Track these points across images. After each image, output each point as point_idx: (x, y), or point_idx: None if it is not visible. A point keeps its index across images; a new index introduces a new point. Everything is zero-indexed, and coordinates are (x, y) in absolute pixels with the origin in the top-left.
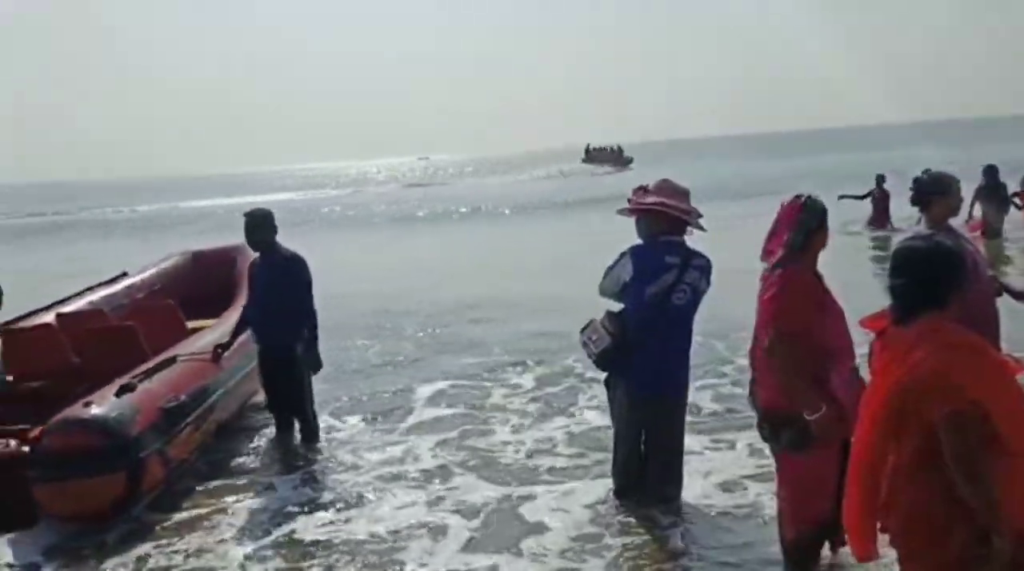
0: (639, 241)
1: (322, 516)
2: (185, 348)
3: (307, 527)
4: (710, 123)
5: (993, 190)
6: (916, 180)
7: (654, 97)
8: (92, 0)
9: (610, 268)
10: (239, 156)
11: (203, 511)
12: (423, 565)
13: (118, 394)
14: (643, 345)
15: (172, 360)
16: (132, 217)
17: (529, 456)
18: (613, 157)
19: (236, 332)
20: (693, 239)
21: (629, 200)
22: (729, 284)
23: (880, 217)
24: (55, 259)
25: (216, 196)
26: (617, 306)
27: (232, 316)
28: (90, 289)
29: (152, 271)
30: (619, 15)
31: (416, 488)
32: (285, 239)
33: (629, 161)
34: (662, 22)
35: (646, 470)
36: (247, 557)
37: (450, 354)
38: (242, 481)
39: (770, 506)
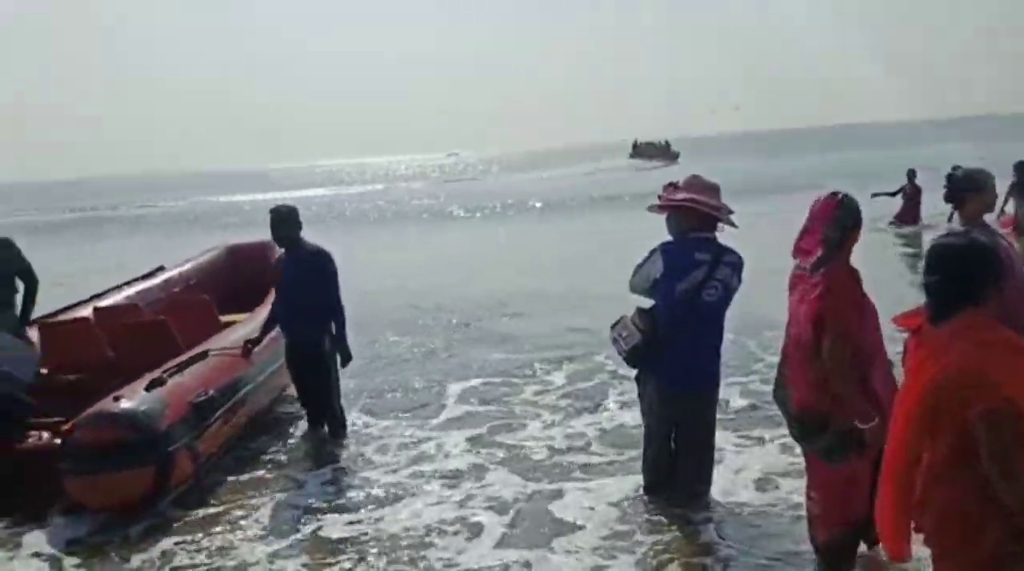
0: (669, 237)
1: (351, 513)
2: (217, 343)
3: (335, 524)
4: (719, 121)
5: None
6: (949, 177)
7: (654, 97)
8: (92, 0)
9: (640, 265)
10: (239, 156)
11: (229, 506)
12: (455, 564)
13: (148, 388)
14: (673, 342)
15: (203, 355)
16: (166, 211)
17: (560, 453)
18: (661, 152)
19: (266, 327)
20: (725, 236)
21: (659, 196)
22: (763, 283)
23: (910, 212)
24: (89, 255)
25: (238, 192)
26: (648, 303)
27: (264, 311)
28: (127, 283)
29: (189, 265)
30: (619, 15)
31: (447, 485)
32: (322, 237)
33: (676, 155)
34: (662, 22)
35: (676, 466)
36: (272, 555)
37: (481, 349)
38: (270, 476)
39: (802, 503)
